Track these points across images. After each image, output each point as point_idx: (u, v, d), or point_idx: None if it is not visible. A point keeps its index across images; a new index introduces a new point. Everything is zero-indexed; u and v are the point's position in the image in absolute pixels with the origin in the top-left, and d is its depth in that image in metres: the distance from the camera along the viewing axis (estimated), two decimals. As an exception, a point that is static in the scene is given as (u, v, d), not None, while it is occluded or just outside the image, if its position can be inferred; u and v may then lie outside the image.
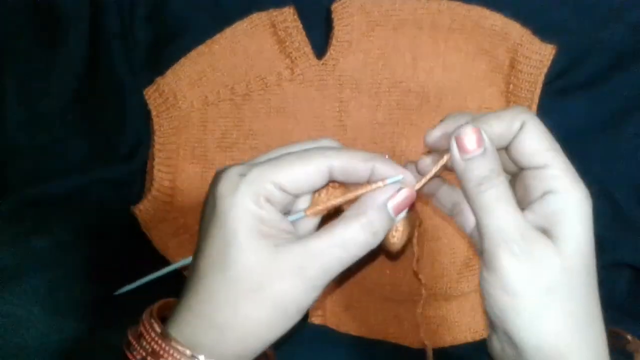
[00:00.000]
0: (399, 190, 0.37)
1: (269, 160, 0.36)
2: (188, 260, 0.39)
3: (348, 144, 0.51)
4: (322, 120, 0.52)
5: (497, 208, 0.34)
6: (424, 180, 0.38)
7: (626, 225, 0.50)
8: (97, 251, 0.53)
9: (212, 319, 0.35)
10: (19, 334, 0.46)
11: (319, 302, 0.52)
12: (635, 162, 0.50)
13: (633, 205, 0.50)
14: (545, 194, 0.34)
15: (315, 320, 0.52)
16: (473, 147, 0.34)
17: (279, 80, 0.52)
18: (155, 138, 0.53)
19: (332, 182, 0.38)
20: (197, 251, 0.36)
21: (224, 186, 0.35)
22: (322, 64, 0.52)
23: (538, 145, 0.35)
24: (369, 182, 0.37)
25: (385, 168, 0.36)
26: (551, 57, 0.49)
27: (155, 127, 0.53)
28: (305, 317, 0.52)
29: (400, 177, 0.37)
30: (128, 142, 0.56)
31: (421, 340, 0.51)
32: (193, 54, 0.53)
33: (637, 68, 0.50)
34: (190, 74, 0.53)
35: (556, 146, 0.35)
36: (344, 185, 0.38)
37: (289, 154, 0.37)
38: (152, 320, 0.36)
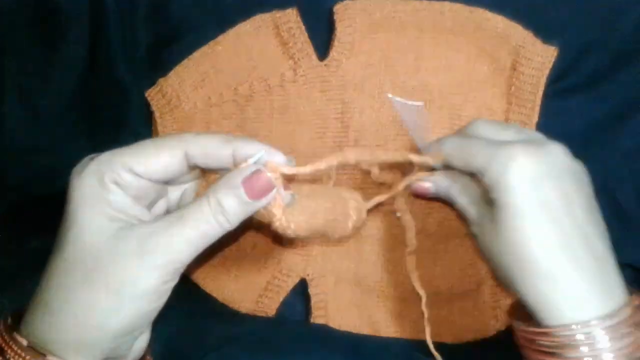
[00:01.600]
0: (255, 172, 0.35)
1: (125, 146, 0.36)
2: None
3: (351, 145, 0.52)
4: (325, 121, 0.52)
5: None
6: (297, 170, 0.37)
7: (627, 225, 0.50)
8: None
9: (49, 305, 0.33)
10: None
11: (322, 302, 0.52)
12: (637, 162, 0.50)
13: (634, 206, 0.50)
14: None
15: (318, 320, 0.53)
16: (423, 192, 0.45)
17: (282, 82, 0.52)
18: (159, 139, 0.53)
19: (213, 173, 0.38)
20: None
21: (74, 170, 0.35)
22: (325, 65, 0.52)
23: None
24: (235, 162, 0.36)
25: (246, 148, 0.36)
26: (553, 59, 0.49)
27: (159, 128, 0.53)
28: (307, 317, 0.53)
29: (260, 154, 0.36)
30: (129, 142, 0.55)
31: (423, 339, 0.51)
32: (196, 55, 0.53)
33: (637, 68, 0.51)
34: (194, 75, 0.52)
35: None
36: (220, 174, 0.37)
37: (146, 139, 0.37)
38: (8, 316, 0.35)
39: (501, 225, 0.37)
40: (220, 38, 0.52)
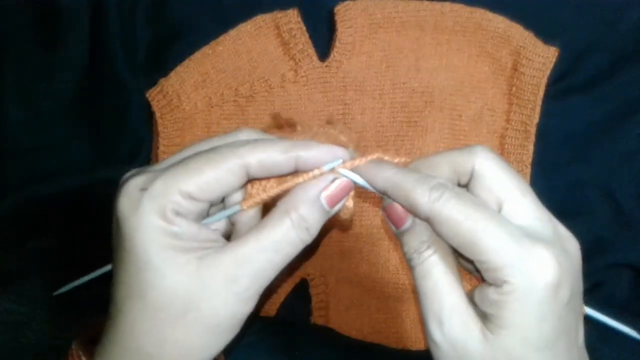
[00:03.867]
0: (333, 180, 0.34)
1: (173, 166, 0.32)
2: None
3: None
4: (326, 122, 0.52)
5: (430, 283, 0.33)
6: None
7: (627, 225, 0.50)
8: (98, 252, 0.52)
9: (139, 352, 0.32)
10: (22, 333, 0.46)
11: (323, 302, 0.52)
12: (637, 163, 0.51)
13: (634, 206, 0.50)
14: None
15: (318, 320, 0.53)
16: (398, 223, 0.35)
17: (282, 82, 0.52)
18: (160, 140, 0.53)
19: None
20: (113, 278, 0.33)
21: (124, 204, 0.31)
22: (326, 65, 0.52)
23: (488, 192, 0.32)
24: (297, 170, 0.34)
25: (312, 155, 0.33)
26: (554, 60, 0.49)
27: (160, 128, 0.53)
28: (308, 317, 0.53)
29: (338, 162, 0.34)
30: (129, 142, 0.56)
31: (422, 339, 0.51)
32: (197, 55, 0.52)
33: (637, 68, 0.51)
34: (194, 75, 0.52)
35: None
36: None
37: (195, 155, 0.33)
38: (81, 353, 0.34)
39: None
40: (221, 38, 0.52)
